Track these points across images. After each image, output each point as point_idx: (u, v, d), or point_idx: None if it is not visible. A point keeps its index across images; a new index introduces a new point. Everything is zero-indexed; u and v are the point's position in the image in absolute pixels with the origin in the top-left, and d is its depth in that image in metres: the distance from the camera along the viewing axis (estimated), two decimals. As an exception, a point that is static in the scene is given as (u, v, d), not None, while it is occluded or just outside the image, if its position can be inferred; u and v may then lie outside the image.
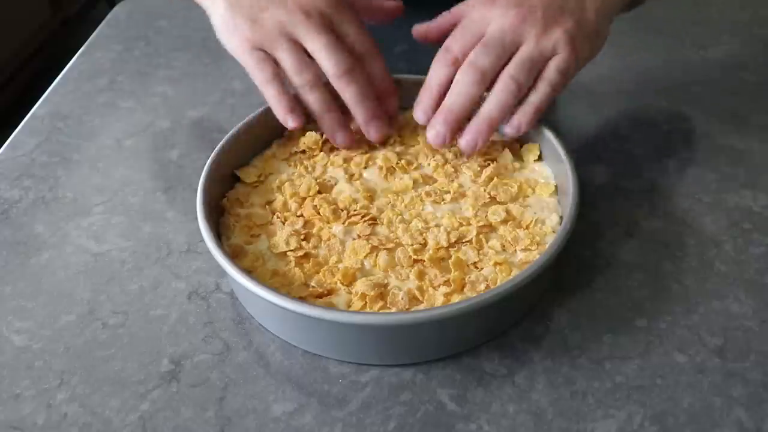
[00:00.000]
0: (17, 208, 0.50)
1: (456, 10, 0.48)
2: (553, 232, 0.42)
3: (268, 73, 0.45)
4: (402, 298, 0.40)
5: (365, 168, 0.48)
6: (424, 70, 0.49)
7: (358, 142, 0.49)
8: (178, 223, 0.48)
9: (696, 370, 0.38)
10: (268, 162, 0.49)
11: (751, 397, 0.37)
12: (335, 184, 0.47)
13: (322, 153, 0.49)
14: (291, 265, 0.42)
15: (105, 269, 0.45)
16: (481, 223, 0.43)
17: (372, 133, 0.47)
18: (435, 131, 0.45)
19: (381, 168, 0.48)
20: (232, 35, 0.46)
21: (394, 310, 0.39)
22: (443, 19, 0.49)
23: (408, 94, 0.51)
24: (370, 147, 0.50)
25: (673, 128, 0.55)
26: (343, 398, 0.38)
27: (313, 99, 0.46)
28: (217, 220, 0.45)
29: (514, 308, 0.40)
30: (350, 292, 0.40)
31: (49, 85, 0.62)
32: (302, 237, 0.43)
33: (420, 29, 0.50)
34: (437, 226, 0.43)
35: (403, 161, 0.48)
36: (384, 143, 0.50)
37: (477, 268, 0.41)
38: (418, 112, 0.46)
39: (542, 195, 0.45)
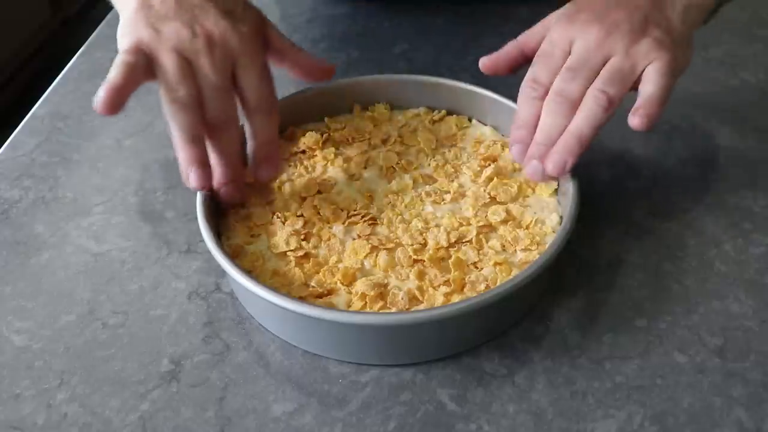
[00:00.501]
0: (17, 208, 0.50)
1: (527, 36, 0.45)
2: (553, 232, 0.42)
3: (125, 59, 0.39)
4: (402, 298, 0.40)
5: (365, 168, 0.48)
6: (423, 69, 0.49)
7: (359, 142, 0.49)
8: (178, 223, 0.48)
9: (696, 370, 0.38)
10: None
11: (751, 397, 0.37)
12: (335, 184, 0.47)
13: (322, 153, 0.49)
14: (291, 265, 0.42)
15: (105, 269, 0.45)
16: (481, 223, 0.43)
17: (223, 194, 0.43)
18: (533, 167, 0.42)
19: (381, 168, 0.48)
20: (126, 33, 0.41)
21: (394, 310, 0.39)
22: (512, 47, 0.46)
23: (409, 93, 0.51)
24: (371, 146, 0.50)
25: (674, 128, 0.55)
26: (343, 398, 0.38)
27: (181, 120, 0.40)
28: (217, 220, 0.45)
29: (514, 308, 0.40)
30: (350, 292, 0.40)
31: (49, 85, 0.62)
32: (302, 237, 0.43)
33: (488, 62, 0.46)
34: (437, 226, 0.43)
35: (403, 161, 0.48)
36: (384, 142, 0.50)
37: (477, 268, 0.41)
38: (515, 152, 0.43)
39: (542, 195, 0.45)
